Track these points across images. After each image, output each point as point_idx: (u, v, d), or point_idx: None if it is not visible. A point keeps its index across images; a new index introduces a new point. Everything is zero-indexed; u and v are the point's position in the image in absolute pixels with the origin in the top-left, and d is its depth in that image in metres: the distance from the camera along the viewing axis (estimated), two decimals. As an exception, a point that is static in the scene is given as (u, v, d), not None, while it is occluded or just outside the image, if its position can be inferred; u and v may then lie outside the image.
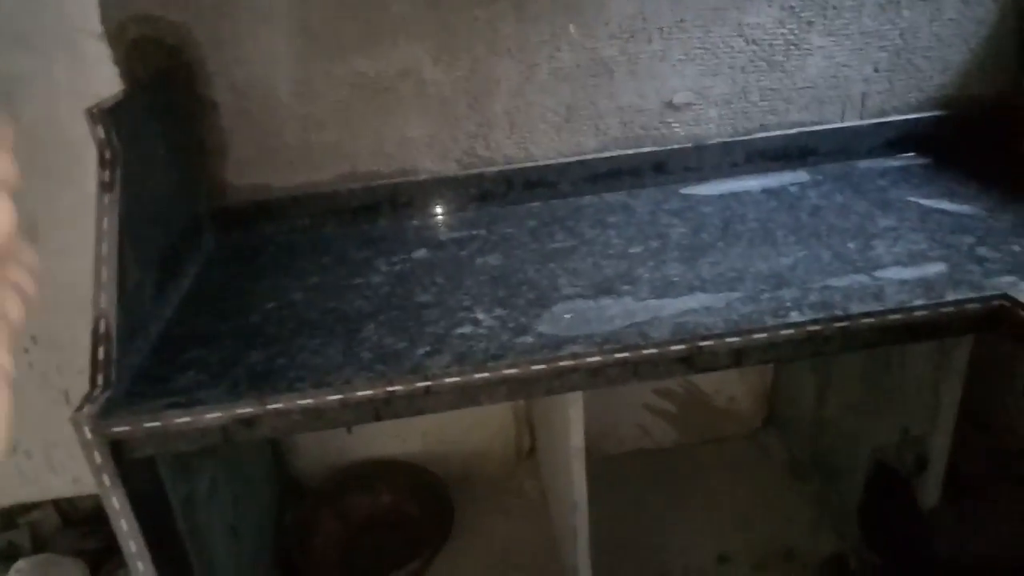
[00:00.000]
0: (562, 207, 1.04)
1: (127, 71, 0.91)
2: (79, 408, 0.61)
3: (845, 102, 1.09)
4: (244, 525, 1.00)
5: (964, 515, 1.12)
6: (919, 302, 0.69)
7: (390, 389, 0.64)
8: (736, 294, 0.74)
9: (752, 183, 1.05)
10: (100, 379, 0.63)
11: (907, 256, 0.79)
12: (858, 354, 1.10)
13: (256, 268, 0.92)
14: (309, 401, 0.63)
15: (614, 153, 1.06)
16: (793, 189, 1.02)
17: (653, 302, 0.74)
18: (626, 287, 0.78)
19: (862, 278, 0.75)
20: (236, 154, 0.98)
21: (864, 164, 1.09)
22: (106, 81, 0.90)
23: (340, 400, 0.64)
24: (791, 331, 0.68)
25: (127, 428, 0.61)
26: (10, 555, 1.23)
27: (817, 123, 1.09)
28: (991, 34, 1.07)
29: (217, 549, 0.86)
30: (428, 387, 0.64)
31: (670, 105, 1.05)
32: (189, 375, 0.68)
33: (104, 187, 0.69)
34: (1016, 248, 0.79)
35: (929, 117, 1.10)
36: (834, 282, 0.74)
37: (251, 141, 0.97)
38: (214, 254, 0.97)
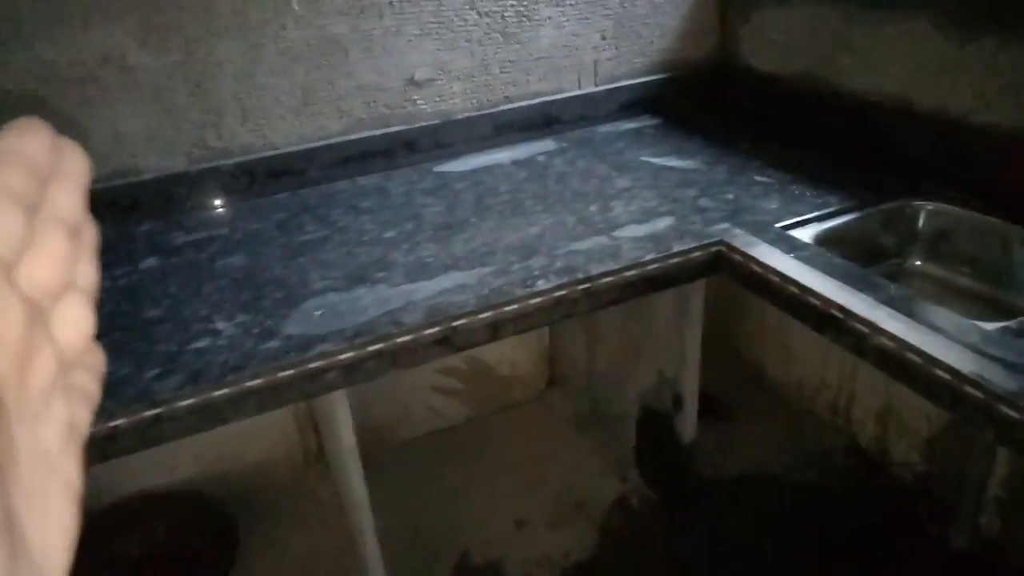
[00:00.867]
0: (313, 195, 0.98)
1: None
2: None
3: (580, 70, 1.13)
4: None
5: (720, 443, 1.25)
6: (650, 256, 0.74)
7: (113, 424, 0.56)
8: (488, 268, 0.74)
9: (502, 155, 1.06)
10: None
11: (640, 214, 0.84)
12: (617, 308, 1.17)
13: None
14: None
15: (361, 135, 1.02)
16: (541, 158, 1.05)
17: (408, 286, 0.72)
18: (380, 274, 0.75)
19: (602, 239, 0.78)
20: None
21: (603, 128, 1.15)
22: None
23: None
24: (540, 299, 0.69)
25: None
26: None
27: (557, 92, 1.13)
28: (697, 0, 1.16)
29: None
30: (158, 414, 0.57)
31: (412, 82, 1.02)
32: None
33: None
34: (730, 196, 0.87)
35: (655, 80, 1.18)
36: (578, 246, 0.77)
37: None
38: None
